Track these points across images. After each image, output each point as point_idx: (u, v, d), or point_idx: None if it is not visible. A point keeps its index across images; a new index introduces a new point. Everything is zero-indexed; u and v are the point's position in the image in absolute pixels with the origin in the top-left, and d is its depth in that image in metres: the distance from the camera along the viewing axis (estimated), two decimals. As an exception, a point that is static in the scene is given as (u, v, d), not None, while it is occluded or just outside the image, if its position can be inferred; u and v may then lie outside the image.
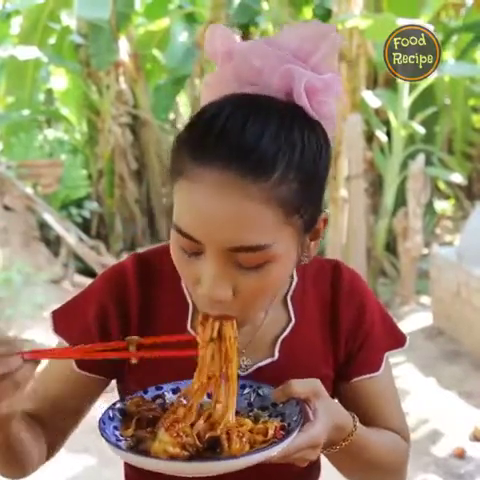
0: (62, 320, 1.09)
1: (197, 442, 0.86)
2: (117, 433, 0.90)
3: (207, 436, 0.87)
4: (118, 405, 0.95)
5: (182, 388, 0.97)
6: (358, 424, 0.99)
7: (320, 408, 0.91)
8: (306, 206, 0.88)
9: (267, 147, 0.83)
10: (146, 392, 0.98)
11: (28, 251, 7.23)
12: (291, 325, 1.07)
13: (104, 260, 7.20)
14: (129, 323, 1.05)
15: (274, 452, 0.84)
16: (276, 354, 1.05)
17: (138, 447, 0.87)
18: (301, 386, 0.91)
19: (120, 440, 0.89)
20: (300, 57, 0.90)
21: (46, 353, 0.88)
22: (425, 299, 6.41)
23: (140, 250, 1.16)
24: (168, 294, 1.06)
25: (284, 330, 1.06)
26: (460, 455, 3.55)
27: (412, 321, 5.82)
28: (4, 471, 1.04)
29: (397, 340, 1.15)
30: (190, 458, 0.84)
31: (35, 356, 0.85)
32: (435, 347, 5.17)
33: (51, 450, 1.10)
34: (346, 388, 1.10)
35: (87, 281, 6.27)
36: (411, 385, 4.47)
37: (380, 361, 1.11)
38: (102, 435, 0.87)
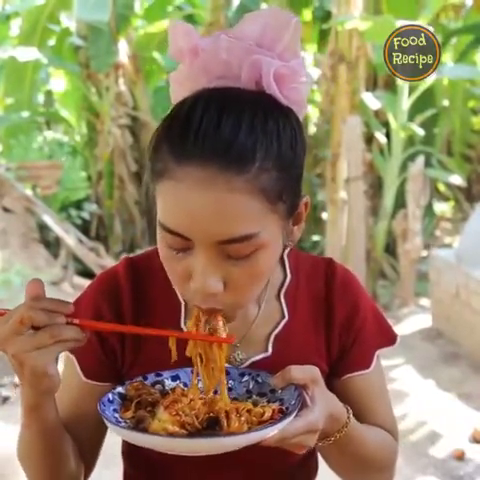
0: None
1: (196, 422, 0.86)
2: (116, 415, 0.90)
3: (206, 416, 0.87)
4: (118, 389, 0.96)
5: (181, 376, 0.99)
6: (352, 417, 1.00)
7: (317, 395, 0.92)
8: (288, 192, 0.90)
9: (245, 140, 0.85)
10: (146, 379, 0.99)
11: (27, 253, 7.24)
12: (284, 321, 1.08)
13: (103, 262, 7.20)
14: (123, 321, 1.05)
15: (273, 431, 0.84)
16: (269, 349, 1.06)
17: (138, 427, 0.87)
18: (300, 372, 0.93)
19: (120, 422, 0.89)
20: (265, 46, 0.91)
21: (91, 324, 0.93)
22: (424, 301, 6.42)
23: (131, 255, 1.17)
24: (160, 293, 1.07)
25: (277, 326, 1.08)
26: (459, 457, 3.55)
27: (411, 323, 5.82)
28: (39, 468, 1.04)
29: (388, 338, 1.16)
30: (188, 436, 0.85)
31: (80, 323, 0.89)
32: (434, 349, 5.17)
33: (87, 469, 1.11)
34: (337, 384, 1.11)
35: (86, 283, 6.25)
36: (410, 387, 4.47)
37: (371, 358, 1.12)
38: (102, 415, 0.88)
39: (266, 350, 1.06)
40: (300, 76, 0.93)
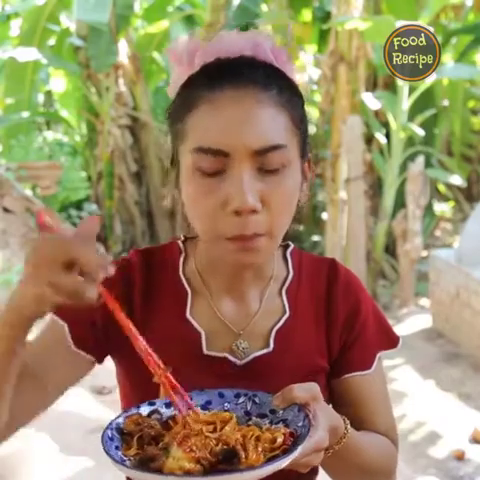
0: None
1: (208, 455, 0.84)
2: (119, 453, 0.88)
3: (221, 448, 0.85)
4: (116, 422, 0.92)
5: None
6: (349, 427, 1.00)
7: (319, 412, 0.92)
8: (303, 122, 1.01)
9: (263, 74, 0.98)
10: (139, 407, 0.95)
11: (27, 253, 7.22)
12: (285, 317, 1.09)
13: (103, 262, 7.18)
14: (133, 307, 1.07)
15: (290, 460, 0.83)
16: (271, 345, 1.07)
17: (149, 465, 0.84)
18: (302, 391, 0.92)
19: (124, 460, 0.86)
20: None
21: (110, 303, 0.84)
22: (424, 301, 6.42)
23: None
24: (168, 283, 1.10)
25: (279, 321, 1.09)
26: (459, 457, 3.55)
27: (411, 323, 5.83)
28: None
29: (390, 340, 1.16)
30: (204, 472, 0.82)
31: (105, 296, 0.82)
32: (434, 349, 5.17)
33: (10, 426, 0.99)
34: (337, 384, 1.11)
35: (86, 283, 6.23)
36: (410, 387, 4.47)
37: (372, 359, 1.12)
38: (110, 458, 0.85)
39: (268, 345, 1.07)
40: (292, 67, 1.04)
